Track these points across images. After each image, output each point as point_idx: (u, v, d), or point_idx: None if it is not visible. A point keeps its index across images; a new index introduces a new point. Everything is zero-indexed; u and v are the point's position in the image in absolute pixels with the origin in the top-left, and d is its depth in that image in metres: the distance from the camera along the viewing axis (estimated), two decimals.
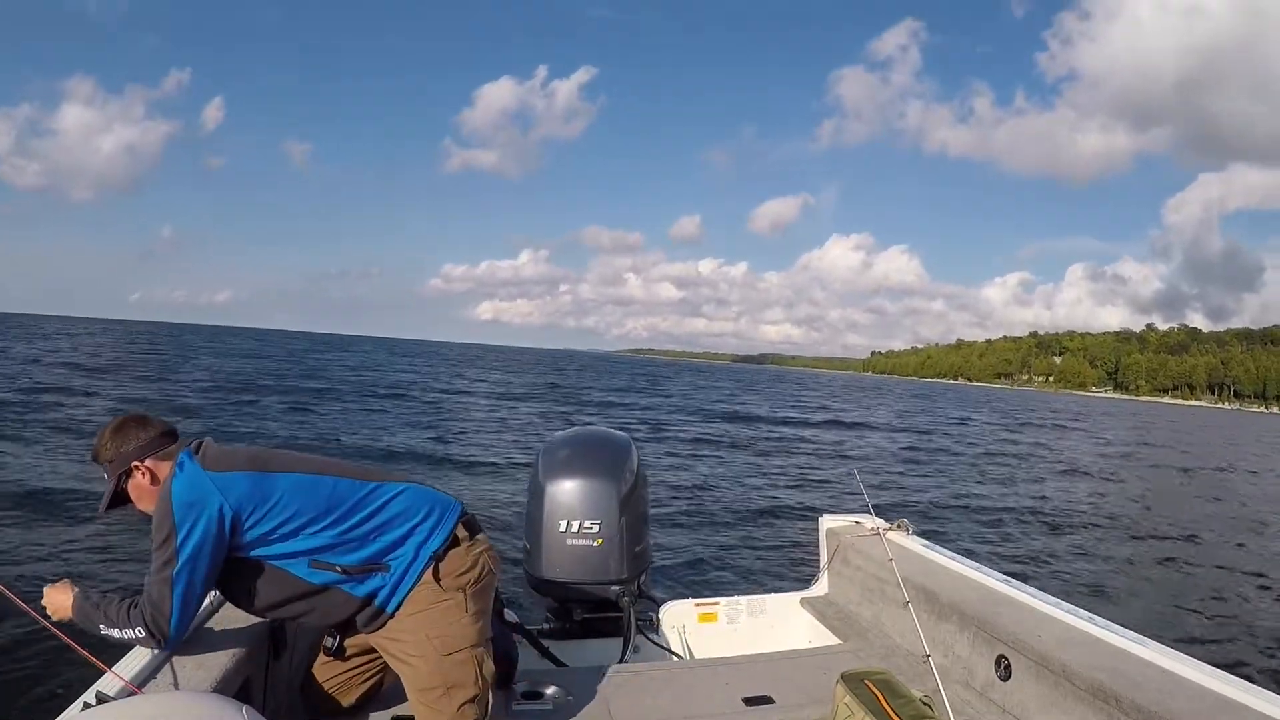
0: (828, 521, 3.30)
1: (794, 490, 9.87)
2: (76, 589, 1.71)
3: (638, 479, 2.90)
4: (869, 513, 3.21)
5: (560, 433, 3.15)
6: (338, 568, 1.69)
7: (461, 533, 1.81)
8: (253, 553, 1.66)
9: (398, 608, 1.74)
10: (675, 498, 8.39)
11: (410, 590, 1.74)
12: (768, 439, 14.26)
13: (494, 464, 11.87)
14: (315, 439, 13.81)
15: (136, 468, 1.67)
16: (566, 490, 2.76)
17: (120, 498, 1.71)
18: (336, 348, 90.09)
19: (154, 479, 1.67)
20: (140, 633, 1.61)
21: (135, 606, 1.61)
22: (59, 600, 1.71)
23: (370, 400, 22.18)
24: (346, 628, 1.85)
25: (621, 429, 3.45)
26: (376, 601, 1.73)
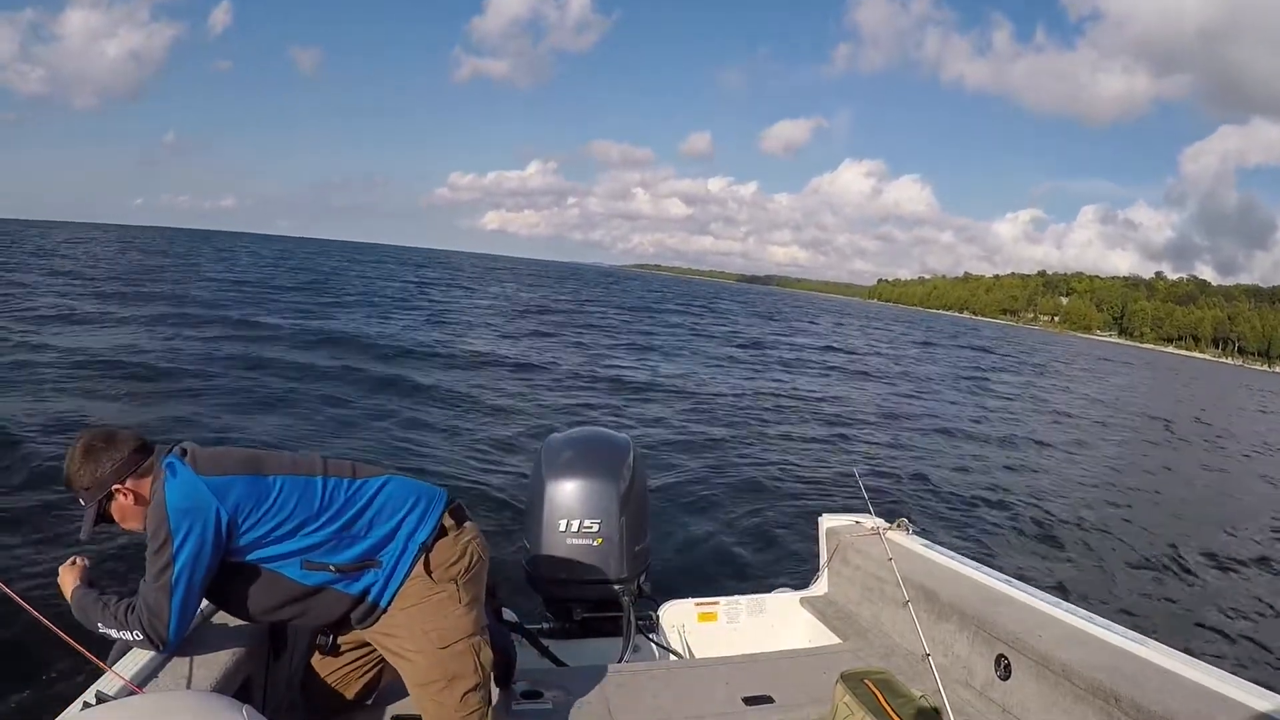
0: (827, 521, 3.30)
1: (795, 486, 9.87)
2: (81, 580, 1.71)
3: (637, 479, 2.91)
4: (869, 512, 3.21)
5: (560, 433, 3.16)
6: (331, 567, 1.68)
7: (448, 522, 1.80)
8: (247, 557, 1.65)
9: (390, 601, 1.74)
10: (674, 496, 8.38)
11: (402, 584, 1.73)
12: (766, 420, 14.31)
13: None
14: (336, 336, 14.73)
15: (118, 490, 1.63)
16: (567, 490, 2.76)
17: (101, 518, 1.67)
18: (347, 255, 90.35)
19: (138, 499, 1.64)
20: (138, 636, 1.60)
21: (133, 610, 1.60)
22: (66, 582, 1.71)
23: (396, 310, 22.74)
24: (341, 625, 1.85)
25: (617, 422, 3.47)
26: (370, 597, 1.73)
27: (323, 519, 1.68)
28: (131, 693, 1.49)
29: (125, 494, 1.64)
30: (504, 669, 2.17)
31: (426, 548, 1.75)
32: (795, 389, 16.65)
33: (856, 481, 3.49)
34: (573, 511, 2.74)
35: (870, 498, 3.22)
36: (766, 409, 14.05)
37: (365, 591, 1.72)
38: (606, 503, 2.76)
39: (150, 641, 1.61)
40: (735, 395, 14.93)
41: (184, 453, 1.66)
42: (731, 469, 10.46)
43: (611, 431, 3.25)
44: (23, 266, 27.56)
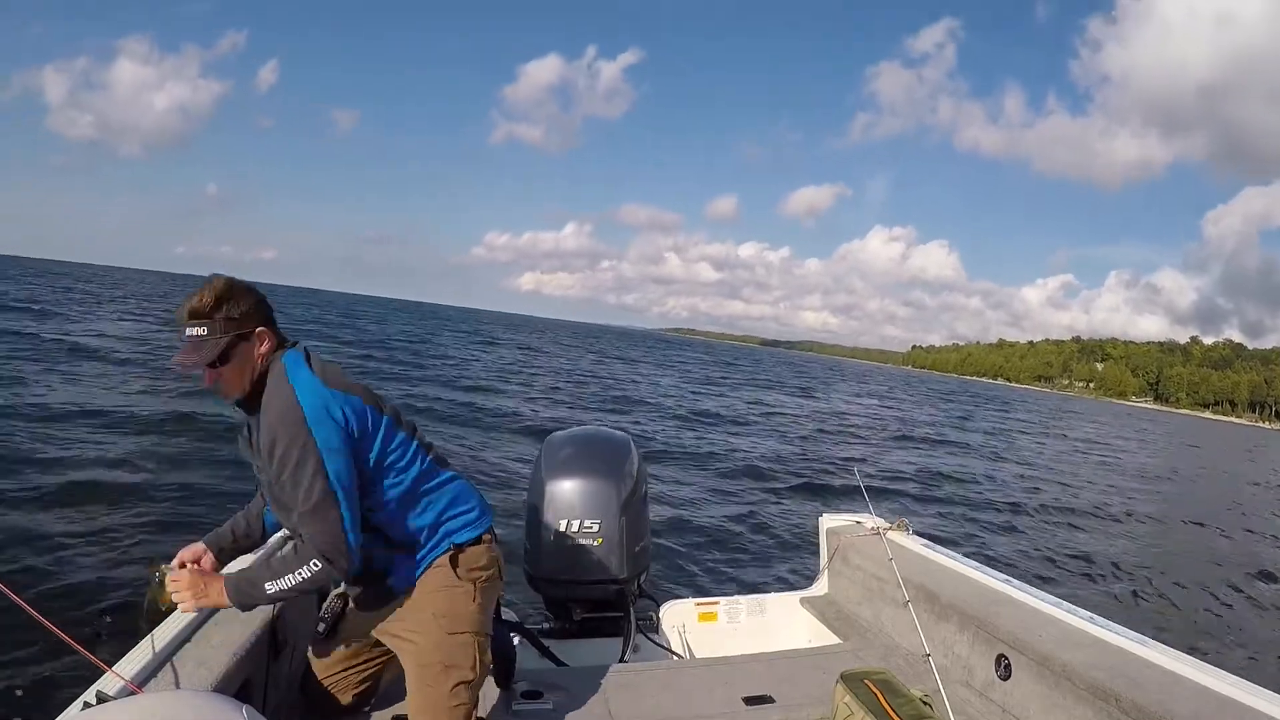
0: (828, 521, 3.30)
1: (795, 489, 9.88)
2: (213, 571, 1.71)
3: (638, 479, 2.90)
4: (869, 512, 3.21)
5: (561, 432, 3.15)
6: (384, 534, 1.70)
7: (486, 536, 1.86)
8: None
9: (408, 584, 1.77)
10: (675, 497, 8.39)
11: (424, 570, 1.76)
12: (768, 434, 14.31)
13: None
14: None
15: (258, 332, 1.56)
16: (567, 490, 2.76)
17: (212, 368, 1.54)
18: (404, 314, 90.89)
19: (261, 354, 1.58)
20: (316, 565, 1.53)
21: (298, 549, 1.55)
22: (211, 589, 1.61)
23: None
24: (340, 617, 1.90)
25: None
26: (390, 579, 1.76)
27: (401, 478, 1.68)
28: (131, 693, 1.49)
29: (261, 339, 1.58)
30: (504, 669, 2.17)
31: (460, 548, 1.79)
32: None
33: (857, 482, 3.49)
34: (573, 511, 2.74)
35: (870, 499, 3.23)
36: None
37: (388, 568, 1.74)
38: (606, 502, 2.75)
39: (331, 563, 1.53)
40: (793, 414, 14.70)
41: (307, 356, 1.62)
42: (733, 470, 10.48)
43: (612, 430, 3.24)
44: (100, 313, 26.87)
